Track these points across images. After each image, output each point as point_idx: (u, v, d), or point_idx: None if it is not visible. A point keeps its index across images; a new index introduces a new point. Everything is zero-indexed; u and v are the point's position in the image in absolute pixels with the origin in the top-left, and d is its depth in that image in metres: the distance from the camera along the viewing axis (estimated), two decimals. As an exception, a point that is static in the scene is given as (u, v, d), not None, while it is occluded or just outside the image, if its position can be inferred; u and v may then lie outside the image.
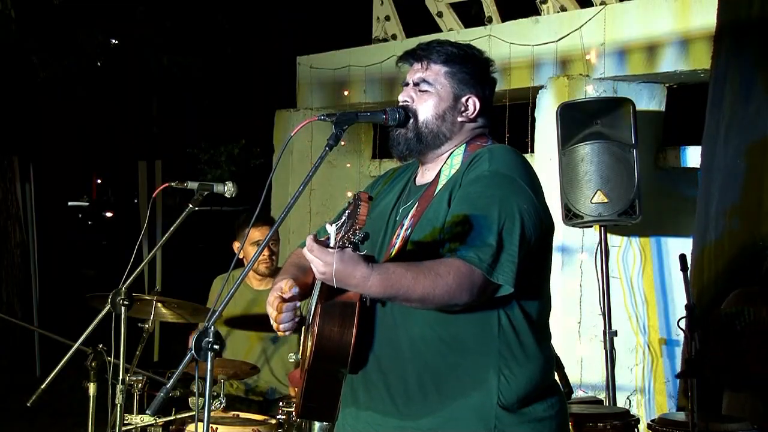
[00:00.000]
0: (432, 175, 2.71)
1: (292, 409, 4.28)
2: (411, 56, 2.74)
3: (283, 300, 2.59)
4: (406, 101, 2.70)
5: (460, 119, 2.71)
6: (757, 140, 5.10)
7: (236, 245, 5.05)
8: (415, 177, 2.79)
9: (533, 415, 2.58)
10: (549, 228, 2.65)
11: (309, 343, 2.61)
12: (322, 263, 2.29)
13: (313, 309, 2.61)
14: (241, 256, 4.87)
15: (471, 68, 2.72)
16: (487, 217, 2.45)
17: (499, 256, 2.42)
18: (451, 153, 2.70)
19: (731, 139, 5.18)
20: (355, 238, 2.27)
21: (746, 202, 5.12)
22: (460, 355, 2.53)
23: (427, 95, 2.69)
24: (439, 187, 2.63)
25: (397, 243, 2.58)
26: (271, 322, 2.63)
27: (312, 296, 2.64)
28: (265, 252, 4.96)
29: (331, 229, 2.32)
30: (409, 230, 2.57)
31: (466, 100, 2.71)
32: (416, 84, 2.70)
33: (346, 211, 2.32)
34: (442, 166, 2.69)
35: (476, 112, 2.72)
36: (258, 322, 5.01)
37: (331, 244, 2.31)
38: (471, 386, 2.52)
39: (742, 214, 5.12)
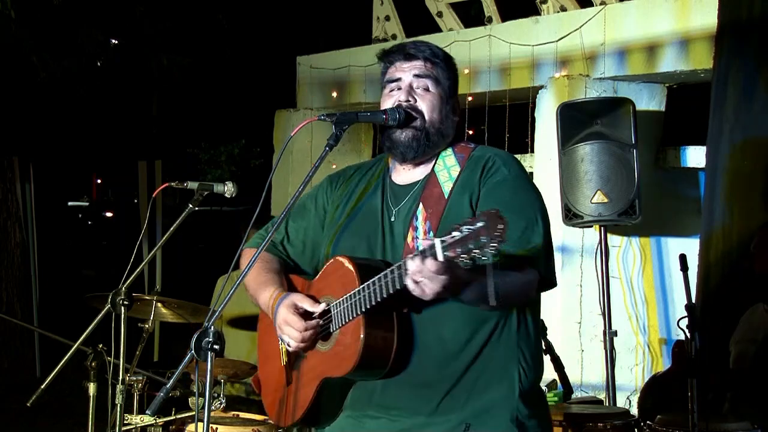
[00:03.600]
0: (419, 175, 2.72)
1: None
2: (402, 54, 2.72)
3: (300, 316, 2.61)
4: (408, 101, 2.68)
5: (455, 118, 2.74)
6: (763, 140, 5.11)
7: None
8: (390, 176, 2.79)
9: (536, 400, 2.69)
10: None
11: (333, 354, 2.59)
12: (441, 282, 2.29)
13: (340, 318, 2.58)
14: None
15: (455, 69, 2.78)
16: (529, 219, 2.56)
17: (548, 256, 2.59)
18: (440, 153, 2.72)
19: (737, 139, 5.18)
20: (486, 256, 2.23)
21: (754, 202, 5.12)
22: (487, 353, 2.60)
23: (431, 95, 2.69)
24: (446, 188, 2.64)
25: (420, 246, 2.58)
26: (288, 340, 2.63)
27: (338, 304, 2.59)
28: None
29: (437, 244, 2.26)
30: (431, 234, 2.58)
31: (455, 100, 2.75)
32: (417, 80, 2.69)
33: (464, 227, 2.23)
34: (434, 167, 2.70)
35: (460, 110, 2.79)
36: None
37: (440, 258, 2.26)
38: (497, 380, 2.60)
39: (750, 214, 5.12)
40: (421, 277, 2.29)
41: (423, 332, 2.57)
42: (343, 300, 2.56)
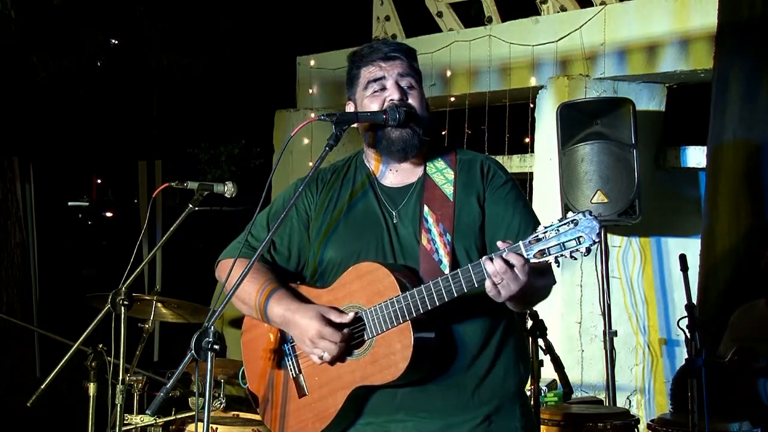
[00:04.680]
0: (410, 177, 2.75)
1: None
2: (380, 55, 2.72)
3: (334, 327, 2.58)
4: (402, 100, 2.70)
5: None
6: (766, 140, 5.11)
7: None
8: (375, 177, 2.79)
9: (527, 400, 2.85)
10: None
11: (370, 361, 2.57)
12: (526, 281, 2.36)
13: (376, 327, 2.57)
14: None
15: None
16: (536, 222, 2.70)
17: None
18: (425, 155, 2.75)
19: (739, 139, 5.18)
20: (575, 257, 2.32)
21: (755, 202, 5.12)
22: (504, 350, 2.69)
23: (417, 92, 2.73)
24: (447, 190, 2.68)
25: (440, 248, 2.60)
26: (321, 353, 2.59)
27: (371, 314, 2.58)
28: None
29: (521, 247, 2.35)
30: (448, 236, 2.61)
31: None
32: (402, 79, 2.71)
33: (549, 229, 2.33)
34: (425, 169, 2.74)
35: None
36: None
37: (531, 258, 2.35)
38: (511, 376, 2.70)
39: (752, 214, 5.11)
40: (502, 278, 2.35)
41: (450, 333, 2.61)
42: (383, 306, 2.54)
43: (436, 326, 2.56)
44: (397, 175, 2.77)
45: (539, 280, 2.50)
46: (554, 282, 2.68)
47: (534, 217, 2.74)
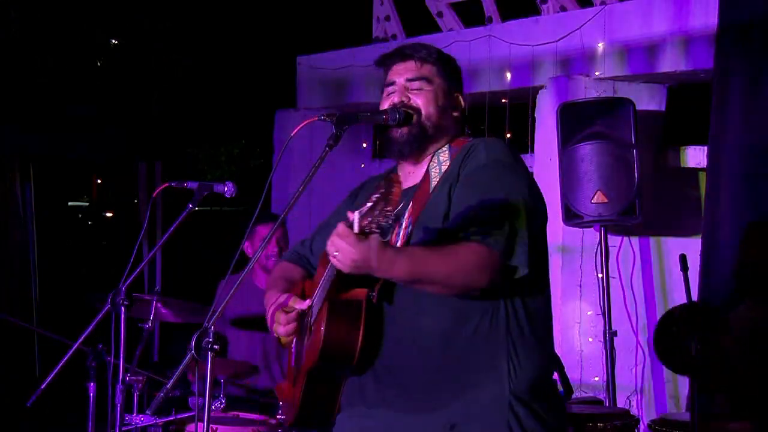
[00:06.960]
0: (418, 177, 2.74)
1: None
2: (398, 56, 2.76)
3: (286, 312, 2.69)
4: (402, 101, 2.71)
5: (455, 114, 2.76)
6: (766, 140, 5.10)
7: (247, 245, 5.03)
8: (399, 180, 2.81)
9: (538, 398, 2.56)
10: (545, 214, 2.70)
11: (309, 346, 2.62)
12: (355, 251, 2.28)
13: (316, 310, 2.61)
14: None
15: (453, 67, 2.81)
16: (496, 202, 2.48)
17: (512, 239, 2.45)
18: (436, 151, 2.73)
19: (741, 139, 5.17)
20: (385, 221, 2.22)
21: (757, 204, 5.11)
22: (469, 347, 2.53)
23: (426, 92, 2.72)
24: (433, 184, 2.67)
25: (399, 241, 2.59)
26: (278, 337, 2.75)
27: (314, 297, 2.67)
28: (276, 249, 5.05)
29: (355, 216, 2.25)
30: (409, 228, 2.59)
31: (456, 96, 2.77)
32: (411, 81, 2.72)
33: (373, 196, 2.24)
34: (429, 165, 2.72)
35: (464, 107, 2.79)
36: (264, 323, 5.01)
37: (355, 231, 2.26)
38: (484, 377, 2.52)
39: (754, 214, 5.10)
40: (332, 245, 2.32)
41: (399, 326, 2.56)
42: (316, 292, 2.63)
43: (373, 317, 2.52)
44: (410, 176, 2.77)
45: (430, 257, 2.39)
46: (480, 254, 2.40)
47: (491, 194, 2.50)
